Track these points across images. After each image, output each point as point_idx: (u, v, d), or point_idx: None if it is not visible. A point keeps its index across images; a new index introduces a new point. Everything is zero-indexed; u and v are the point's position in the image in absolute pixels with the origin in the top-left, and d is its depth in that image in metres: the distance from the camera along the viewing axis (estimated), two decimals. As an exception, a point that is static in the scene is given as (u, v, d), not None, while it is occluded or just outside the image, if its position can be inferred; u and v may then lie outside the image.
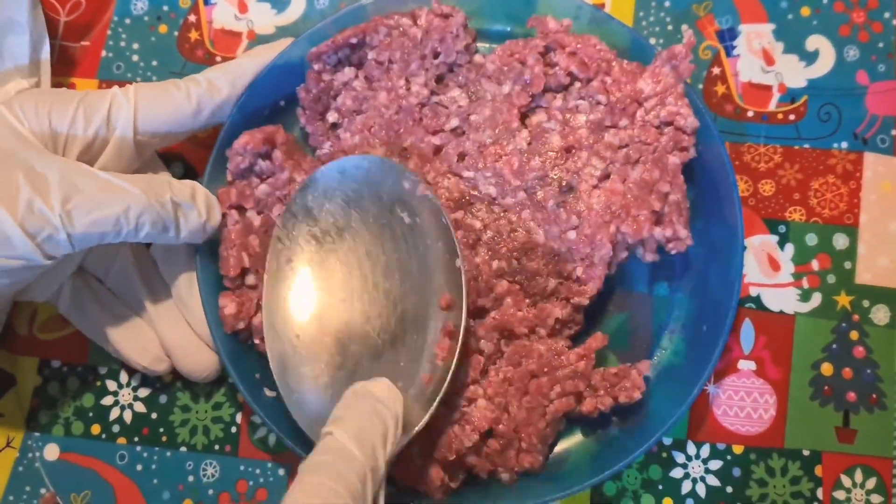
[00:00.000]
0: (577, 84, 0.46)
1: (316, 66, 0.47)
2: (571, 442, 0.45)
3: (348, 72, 0.47)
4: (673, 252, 0.44)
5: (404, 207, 0.42)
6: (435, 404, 0.39)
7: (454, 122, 0.46)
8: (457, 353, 0.40)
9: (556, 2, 0.47)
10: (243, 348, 0.45)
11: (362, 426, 0.35)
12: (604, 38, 0.45)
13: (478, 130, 0.45)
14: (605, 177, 0.44)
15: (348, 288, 0.42)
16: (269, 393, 0.44)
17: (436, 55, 0.47)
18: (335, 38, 0.46)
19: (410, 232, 0.42)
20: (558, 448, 0.45)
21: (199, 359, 0.45)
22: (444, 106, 0.47)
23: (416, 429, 0.39)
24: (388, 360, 0.41)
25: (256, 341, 0.44)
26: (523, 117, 0.46)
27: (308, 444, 0.42)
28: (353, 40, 0.46)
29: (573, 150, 0.45)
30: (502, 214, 0.44)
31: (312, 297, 0.42)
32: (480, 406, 0.42)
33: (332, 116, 0.47)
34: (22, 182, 0.37)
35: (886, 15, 0.50)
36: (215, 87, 0.44)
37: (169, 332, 0.45)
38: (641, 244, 0.44)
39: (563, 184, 0.44)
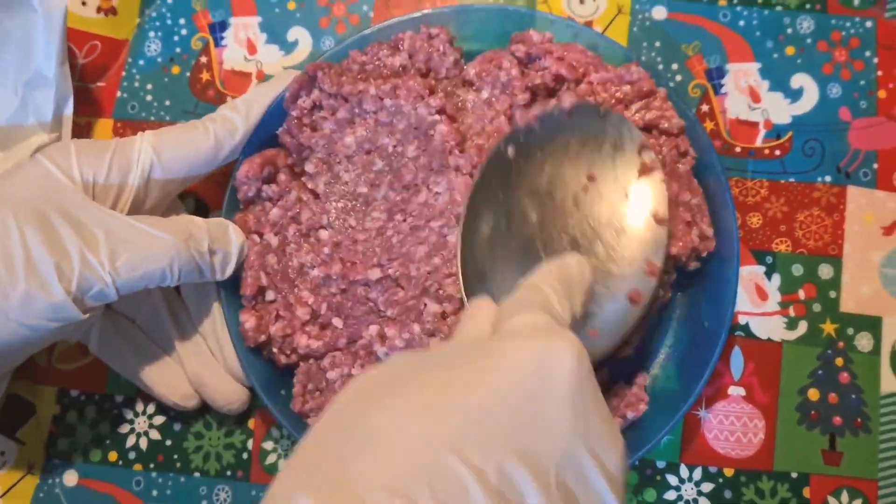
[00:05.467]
0: (565, 86, 0.48)
1: (294, 113, 0.48)
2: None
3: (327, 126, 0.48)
4: (704, 254, 0.45)
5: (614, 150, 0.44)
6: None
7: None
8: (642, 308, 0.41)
9: (554, 25, 0.49)
10: (270, 369, 0.47)
11: (564, 289, 0.36)
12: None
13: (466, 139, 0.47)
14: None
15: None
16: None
17: (425, 74, 0.49)
18: (297, 78, 0.47)
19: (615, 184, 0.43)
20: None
21: (229, 391, 0.47)
22: None
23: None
24: None
25: (275, 350, 0.46)
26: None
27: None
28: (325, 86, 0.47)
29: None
30: None
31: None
32: None
33: (309, 167, 0.48)
34: (73, 238, 0.38)
35: (867, 53, 0.52)
36: (231, 124, 0.46)
37: (198, 368, 0.47)
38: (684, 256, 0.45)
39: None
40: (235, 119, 0.46)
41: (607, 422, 0.29)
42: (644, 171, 0.43)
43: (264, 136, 0.48)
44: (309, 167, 0.48)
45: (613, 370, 0.47)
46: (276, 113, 0.48)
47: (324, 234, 0.47)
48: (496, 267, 0.43)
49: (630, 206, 0.43)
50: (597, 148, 0.44)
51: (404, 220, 0.47)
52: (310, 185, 0.48)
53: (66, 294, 0.38)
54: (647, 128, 0.46)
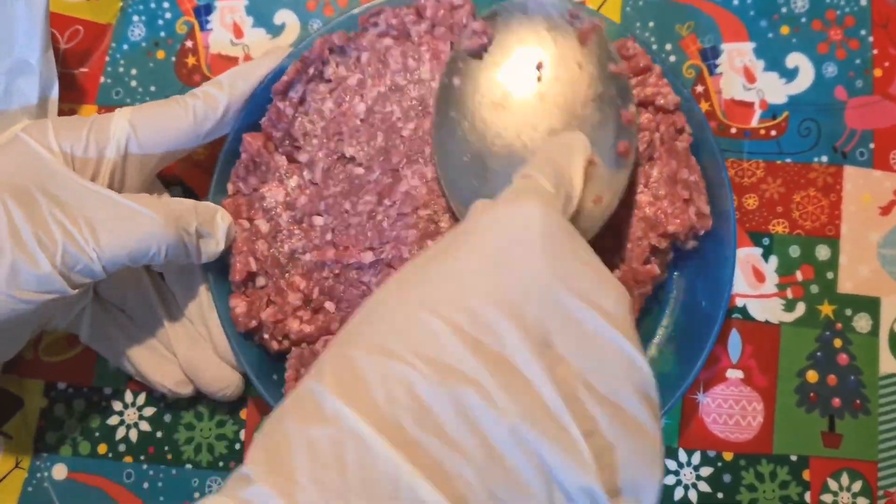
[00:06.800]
0: None
1: (281, 105, 0.46)
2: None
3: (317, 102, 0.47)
4: (701, 233, 0.45)
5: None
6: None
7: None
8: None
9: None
10: (261, 355, 0.46)
11: (557, 170, 0.36)
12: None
13: None
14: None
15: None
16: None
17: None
18: (295, 63, 0.46)
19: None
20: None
21: (220, 375, 0.46)
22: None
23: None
24: None
25: (266, 336, 0.46)
26: None
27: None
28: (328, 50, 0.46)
29: None
30: None
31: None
32: None
33: (302, 157, 0.47)
34: (57, 214, 0.38)
35: (863, 32, 0.52)
36: (214, 100, 0.44)
37: (191, 355, 0.46)
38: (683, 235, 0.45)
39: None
40: (218, 96, 0.45)
41: (597, 269, 0.31)
42: (583, 37, 0.43)
43: (249, 120, 0.47)
44: (303, 157, 0.47)
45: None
46: (262, 95, 0.47)
47: (318, 220, 0.46)
48: (484, 187, 0.43)
49: (586, 73, 0.43)
50: (533, 35, 0.44)
51: (392, 206, 0.46)
52: (306, 174, 0.47)
53: (51, 266, 0.37)
54: (644, 104, 0.46)
